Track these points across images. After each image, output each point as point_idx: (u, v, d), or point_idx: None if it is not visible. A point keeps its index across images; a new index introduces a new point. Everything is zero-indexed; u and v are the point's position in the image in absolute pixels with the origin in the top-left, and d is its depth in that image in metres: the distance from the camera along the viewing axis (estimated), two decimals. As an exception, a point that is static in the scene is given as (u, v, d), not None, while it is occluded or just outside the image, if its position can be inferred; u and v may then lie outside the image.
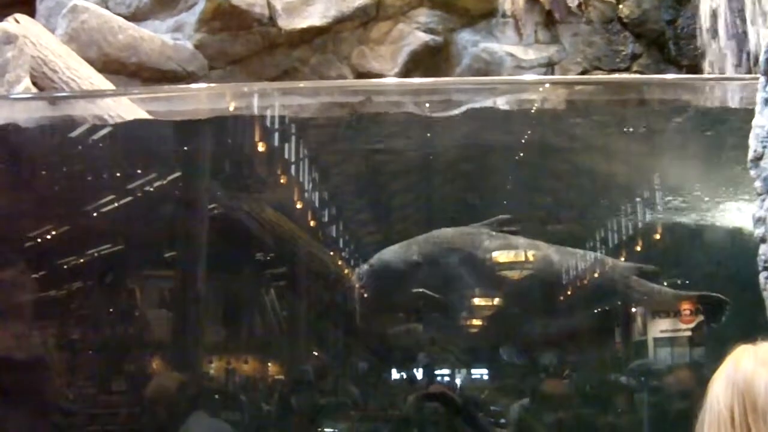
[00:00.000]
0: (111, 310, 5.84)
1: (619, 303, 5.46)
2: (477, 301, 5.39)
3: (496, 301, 5.38)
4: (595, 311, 5.51)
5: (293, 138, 5.38)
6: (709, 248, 5.38)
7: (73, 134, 5.20)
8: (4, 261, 5.26)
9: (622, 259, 5.51)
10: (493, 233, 5.32)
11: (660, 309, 5.34)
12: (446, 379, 5.55)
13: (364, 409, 5.50)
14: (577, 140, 5.53)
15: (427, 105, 5.34)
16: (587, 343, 5.53)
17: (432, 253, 5.30)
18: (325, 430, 5.57)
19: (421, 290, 5.21)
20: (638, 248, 5.53)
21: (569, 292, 5.42)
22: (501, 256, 5.30)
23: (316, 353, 6.03)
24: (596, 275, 5.42)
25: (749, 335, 2.18)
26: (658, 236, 5.52)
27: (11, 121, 5.07)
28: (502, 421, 5.37)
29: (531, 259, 5.34)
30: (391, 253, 5.33)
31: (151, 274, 5.88)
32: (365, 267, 5.32)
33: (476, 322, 5.47)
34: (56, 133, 5.26)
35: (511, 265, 5.33)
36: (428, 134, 5.49)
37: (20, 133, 5.11)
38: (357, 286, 5.27)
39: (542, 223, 5.76)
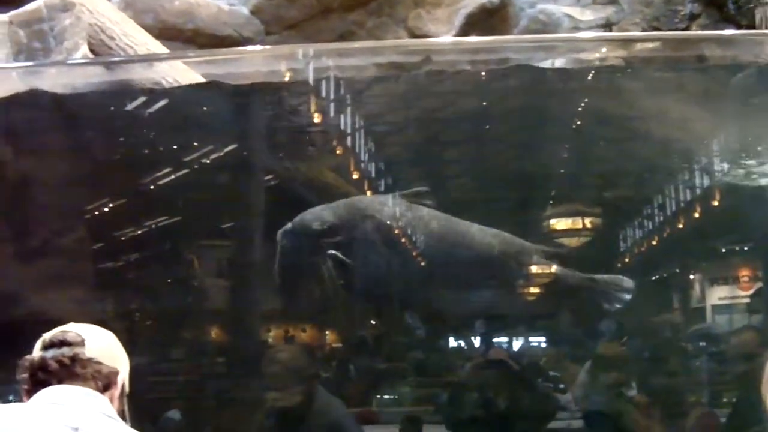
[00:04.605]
0: (170, 278, 5.88)
1: (519, 281, 5.50)
2: (382, 267, 5.37)
3: (398, 268, 5.38)
4: (493, 286, 5.59)
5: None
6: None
7: (130, 99, 5.23)
8: (62, 227, 5.32)
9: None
10: (403, 203, 5.32)
11: (563, 291, 5.37)
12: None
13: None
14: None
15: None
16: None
17: (346, 218, 5.29)
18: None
19: (332, 252, 5.22)
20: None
21: (466, 266, 5.44)
22: (403, 225, 5.33)
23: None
24: (494, 252, 5.43)
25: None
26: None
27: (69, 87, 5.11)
28: (561, 386, 5.38)
29: (430, 231, 5.32)
30: (311, 214, 5.31)
31: (208, 242, 5.92)
32: (287, 225, 5.31)
33: (381, 287, 5.48)
34: (114, 99, 5.29)
35: (409, 235, 5.36)
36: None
37: (78, 99, 5.15)
38: (278, 244, 5.27)
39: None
